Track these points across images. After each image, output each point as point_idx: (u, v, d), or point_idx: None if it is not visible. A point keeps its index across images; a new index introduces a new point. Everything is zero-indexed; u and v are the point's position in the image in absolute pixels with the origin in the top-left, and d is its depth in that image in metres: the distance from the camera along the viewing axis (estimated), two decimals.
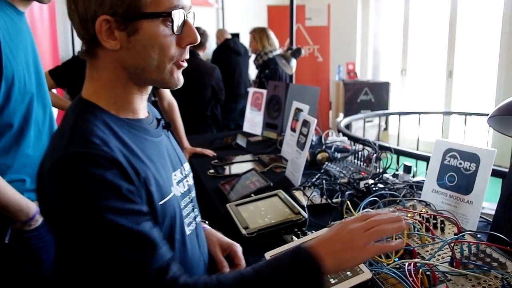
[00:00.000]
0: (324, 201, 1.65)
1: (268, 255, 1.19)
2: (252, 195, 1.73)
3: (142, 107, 0.98)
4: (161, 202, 0.90)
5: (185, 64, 0.95)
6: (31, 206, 1.45)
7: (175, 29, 0.89)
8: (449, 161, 1.42)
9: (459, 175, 1.38)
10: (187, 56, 0.95)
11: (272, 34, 4.51)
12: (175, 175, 1.03)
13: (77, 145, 0.81)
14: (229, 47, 5.04)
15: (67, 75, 3.39)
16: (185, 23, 0.91)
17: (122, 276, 0.79)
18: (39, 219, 1.50)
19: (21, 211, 1.43)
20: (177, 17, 0.88)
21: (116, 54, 0.89)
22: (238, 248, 1.20)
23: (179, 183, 1.04)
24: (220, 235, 1.25)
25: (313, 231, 1.32)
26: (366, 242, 0.86)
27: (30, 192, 1.50)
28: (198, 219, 1.13)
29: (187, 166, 1.14)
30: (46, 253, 1.60)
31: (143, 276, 0.79)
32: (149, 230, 0.82)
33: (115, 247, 0.79)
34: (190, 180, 1.13)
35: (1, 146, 1.43)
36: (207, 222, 1.30)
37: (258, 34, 4.50)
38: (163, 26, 0.88)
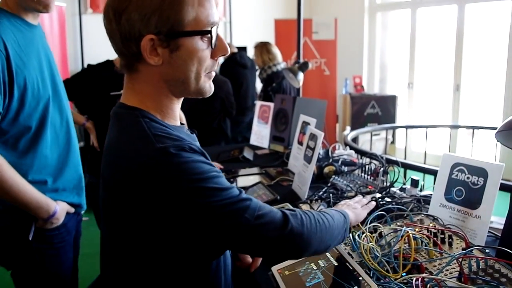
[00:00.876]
0: None
1: (275, 269, 1.18)
2: None
3: (178, 115, 1.07)
4: None
5: (213, 74, 1.04)
6: (50, 204, 1.56)
7: (213, 44, 0.98)
8: (456, 175, 1.41)
9: (466, 190, 1.37)
10: (215, 67, 1.04)
11: (273, 48, 4.55)
12: None
13: (163, 141, 0.91)
14: (235, 61, 5.07)
15: (76, 88, 3.43)
16: (217, 37, 0.99)
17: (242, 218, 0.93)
18: (60, 218, 1.61)
19: (41, 209, 1.53)
20: (214, 33, 0.97)
21: (158, 68, 0.96)
22: None
23: None
24: None
25: None
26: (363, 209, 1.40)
27: (52, 192, 1.61)
28: None
29: None
30: (65, 254, 1.73)
31: (278, 220, 0.98)
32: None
33: (227, 202, 0.93)
34: None
35: (20, 148, 1.54)
36: None
37: (259, 49, 4.57)
38: (201, 42, 0.96)
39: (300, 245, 1.00)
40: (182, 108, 1.11)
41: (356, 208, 1.37)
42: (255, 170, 2.42)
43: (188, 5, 0.92)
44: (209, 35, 0.96)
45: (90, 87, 3.50)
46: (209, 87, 1.03)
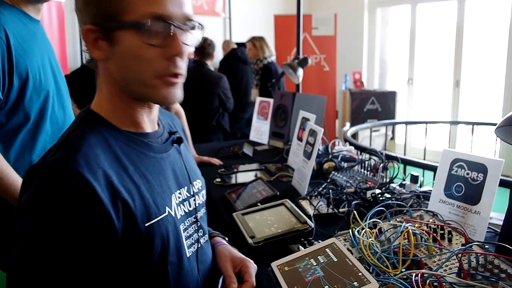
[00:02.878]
0: (330, 210, 1.65)
1: (274, 265, 1.18)
2: (259, 204, 1.73)
3: (147, 121, 0.95)
4: (147, 224, 0.86)
5: (176, 81, 0.87)
6: None
7: (150, 39, 0.82)
8: (456, 171, 1.41)
9: (466, 185, 1.37)
10: (179, 71, 0.87)
11: (268, 43, 4.83)
12: (179, 193, 0.99)
13: (60, 155, 0.80)
14: (236, 56, 5.07)
15: (74, 84, 3.42)
16: (172, 34, 0.83)
17: None
18: None
19: None
20: (156, 27, 0.82)
21: (106, 64, 0.88)
22: (251, 265, 1.12)
23: (183, 202, 1.00)
24: (234, 250, 1.18)
25: (320, 241, 1.31)
26: None
27: None
28: (203, 240, 1.08)
29: (198, 183, 1.10)
30: None
31: None
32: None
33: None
34: (200, 199, 1.09)
35: (19, 140, 1.54)
36: (226, 238, 1.26)
37: (259, 41, 4.79)
38: (142, 37, 0.82)
39: None
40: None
41: None
42: (254, 166, 2.42)
43: None
44: (145, 30, 0.81)
45: (90, 83, 3.50)
46: (164, 96, 0.87)
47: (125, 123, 0.91)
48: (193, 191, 1.05)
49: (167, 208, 0.93)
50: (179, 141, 1.05)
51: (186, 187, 1.02)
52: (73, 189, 0.76)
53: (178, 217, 0.96)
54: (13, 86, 1.46)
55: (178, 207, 0.97)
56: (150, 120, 0.96)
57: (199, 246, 1.04)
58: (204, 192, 1.13)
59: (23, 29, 1.52)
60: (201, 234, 1.07)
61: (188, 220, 1.01)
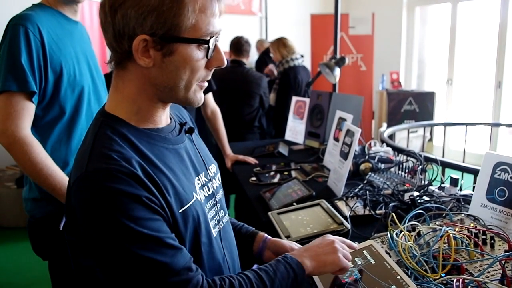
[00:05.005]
0: (367, 212, 1.63)
1: None
2: (294, 204, 1.73)
3: (163, 117, 1.02)
4: (181, 210, 0.93)
5: (205, 84, 0.99)
6: None
7: (209, 55, 0.94)
8: (499, 175, 1.37)
9: (510, 190, 1.33)
10: (209, 77, 1.00)
11: (288, 42, 4.55)
12: (198, 179, 1.06)
13: (97, 161, 0.86)
14: (270, 56, 5.06)
15: None
16: (215, 47, 0.95)
17: (148, 279, 0.85)
18: None
19: None
20: (212, 43, 0.93)
21: (147, 70, 0.92)
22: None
23: (203, 187, 1.07)
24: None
25: (356, 243, 1.30)
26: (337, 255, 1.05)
27: None
28: (225, 220, 1.15)
29: (213, 167, 1.18)
30: None
31: (170, 277, 0.86)
32: (168, 235, 0.89)
33: (140, 255, 0.84)
34: (216, 182, 1.16)
35: (56, 133, 1.62)
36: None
37: (275, 45, 4.57)
38: (197, 50, 0.92)
39: None
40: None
41: (323, 253, 1.06)
42: (290, 165, 2.42)
43: (189, 11, 0.88)
44: (206, 45, 0.92)
45: None
46: (199, 98, 0.99)
47: (145, 121, 0.98)
48: (210, 176, 1.13)
49: (193, 194, 1.00)
50: (190, 131, 1.12)
51: (203, 173, 1.10)
52: (121, 177, 0.84)
53: (202, 201, 1.03)
54: (48, 81, 1.54)
55: (200, 192, 1.04)
56: (165, 116, 1.03)
57: (221, 226, 1.12)
58: (219, 175, 1.21)
59: (58, 28, 1.61)
60: (222, 215, 1.14)
61: (209, 203, 1.08)
